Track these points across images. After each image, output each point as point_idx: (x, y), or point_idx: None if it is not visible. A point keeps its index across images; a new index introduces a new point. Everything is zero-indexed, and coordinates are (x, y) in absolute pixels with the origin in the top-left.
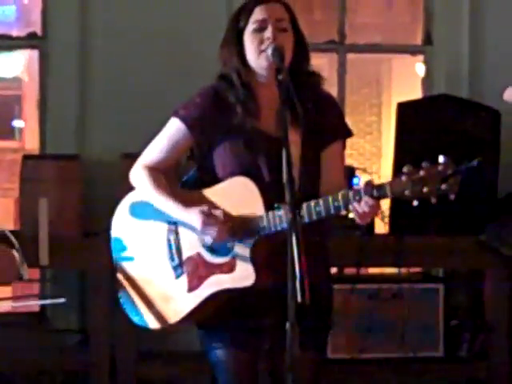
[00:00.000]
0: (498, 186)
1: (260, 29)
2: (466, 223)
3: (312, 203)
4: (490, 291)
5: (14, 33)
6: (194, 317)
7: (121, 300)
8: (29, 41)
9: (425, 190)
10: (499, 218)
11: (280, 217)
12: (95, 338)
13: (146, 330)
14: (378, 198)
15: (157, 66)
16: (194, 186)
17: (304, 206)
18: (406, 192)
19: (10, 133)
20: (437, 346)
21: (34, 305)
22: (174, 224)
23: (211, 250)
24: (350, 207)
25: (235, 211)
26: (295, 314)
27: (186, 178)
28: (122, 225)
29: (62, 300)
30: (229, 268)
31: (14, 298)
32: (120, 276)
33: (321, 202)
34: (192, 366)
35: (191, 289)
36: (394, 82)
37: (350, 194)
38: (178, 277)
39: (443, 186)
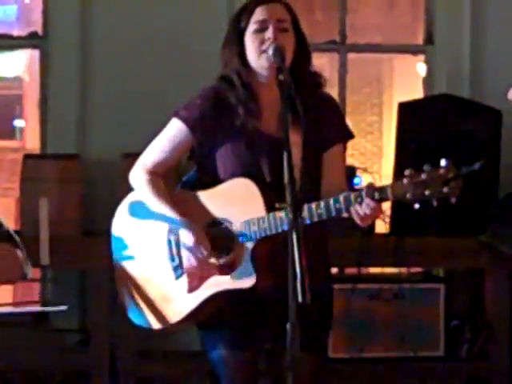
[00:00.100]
0: (499, 186)
1: (261, 29)
2: (466, 223)
3: (313, 205)
4: (490, 291)
5: (15, 32)
6: (194, 317)
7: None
8: (30, 40)
9: (426, 193)
10: (500, 218)
11: (281, 218)
12: (95, 337)
13: (146, 330)
14: (379, 201)
15: (157, 66)
16: (193, 186)
17: (305, 207)
18: (408, 195)
19: (10, 132)
20: (437, 345)
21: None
22: (174, 224)
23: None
24: (352, 209)
25: (236, 212)
26: (296, 314)
27: (186, 178)
28: (124, 224)
29: (63, 307)
30: (229, 269)
31: (15, 304)
32: (119, 274)
33: (322, 203)
34: (192, 366)
35: (191, 289)
36: (395, 82)
37: (352, 196)
38: (178, 277)
39: (445, 190)
